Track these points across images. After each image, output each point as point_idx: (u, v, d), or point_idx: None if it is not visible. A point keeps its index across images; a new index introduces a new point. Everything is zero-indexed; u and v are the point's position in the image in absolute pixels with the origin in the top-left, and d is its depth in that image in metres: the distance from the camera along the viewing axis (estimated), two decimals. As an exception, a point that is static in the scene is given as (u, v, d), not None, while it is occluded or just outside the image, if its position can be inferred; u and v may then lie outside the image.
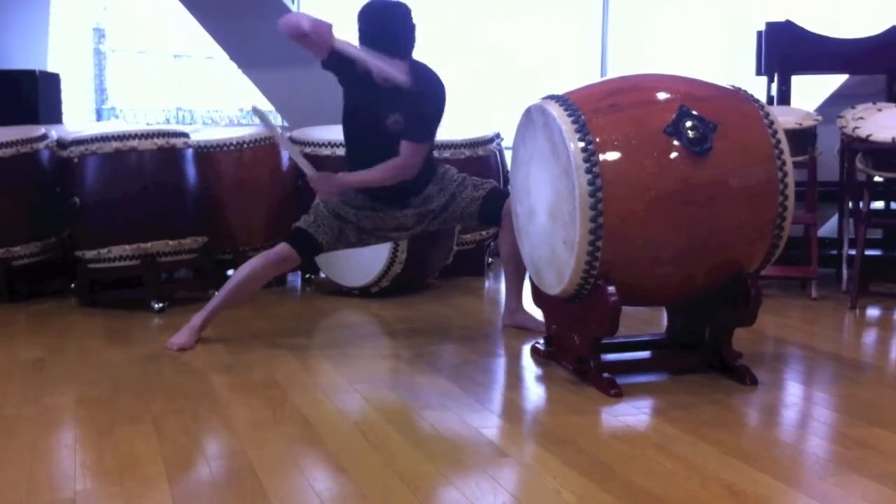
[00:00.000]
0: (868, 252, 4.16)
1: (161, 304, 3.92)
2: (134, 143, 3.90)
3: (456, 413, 2.53)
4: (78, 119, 9.72)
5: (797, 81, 4.78)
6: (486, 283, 4.67)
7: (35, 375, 2.96)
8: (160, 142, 3.94)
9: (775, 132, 2.68)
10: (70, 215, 3.99)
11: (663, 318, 3.20)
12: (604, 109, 2.63)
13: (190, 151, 4.07)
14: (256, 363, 3.08)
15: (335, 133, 4.29)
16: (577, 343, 2.82)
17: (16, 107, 5.00)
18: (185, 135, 4.11)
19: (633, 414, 2.52)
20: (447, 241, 4.30)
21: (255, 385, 2.83)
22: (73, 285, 4.20)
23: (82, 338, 3.50)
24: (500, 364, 3.15)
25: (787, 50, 4.73)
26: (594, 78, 5.24)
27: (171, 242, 3.94)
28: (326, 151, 4.43)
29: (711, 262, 2.68)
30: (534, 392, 2.84)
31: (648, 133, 2.58)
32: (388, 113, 3.22)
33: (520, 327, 3.49)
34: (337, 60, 3.23)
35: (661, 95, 2.68)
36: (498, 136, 4.79)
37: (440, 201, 3.38)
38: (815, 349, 3.27)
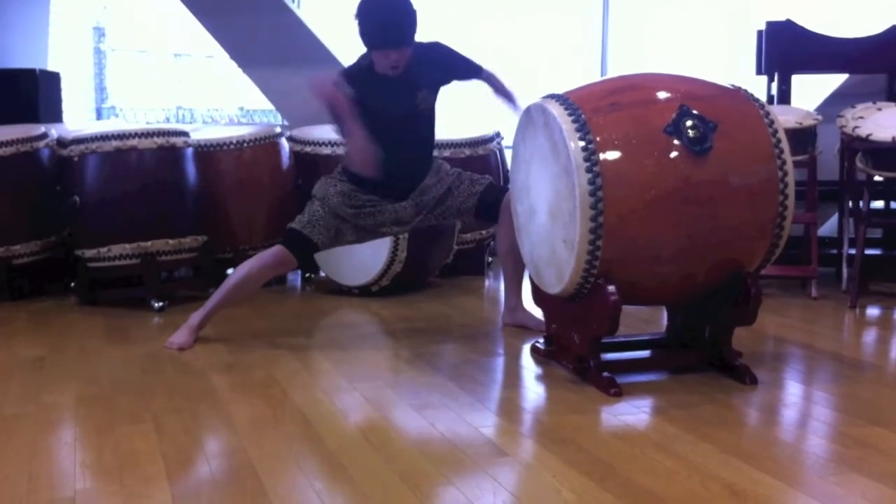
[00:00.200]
0: (868, 251, 4.16)
1: (161, 303, 3.92)
2: (134, 142, 3.90)
3: (456, 412, 2.53)
4: (78, 118, 9.72)
5: (797, 81, 4.78)
6: (487, 282, 4.67)
7: (35, 374, 2.96)
8: (160, 141, 3.94)
9: (775, 131, 2.68)
10: (70, 214, 3.99)
11: (663, 317, 3.20)
12: (604, 108, 2.63)
13: (190, 150, 4.07)
14: (256, 362, 3.08)
15: (335, 132, 4.29)
16: (577, 342, 2.82)
17: (16, 105, 5.00)
18: (186, 134, 4.11)
19: (632, 413, 2.52)
20: (447, 240, 4.29)
21: (255, 384, 2.83)
22: (72, 284, 4.19)
23: (82, 336, 3.50)
24: (500, 363, 3.15)
25: (787, 49, 4.73)
26: (594, 77, 5.24)
27: (171, 241, 3.94)
28: (327, 151, 4.43)
29: (711, 262, 2.68)
30: (534, 391, 2.84)
31: (649, 132, 2.58)
32: (414, 93, 3.26)
33: (520, 326, 3.49)
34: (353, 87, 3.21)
35: (662, 95, 2.68)
36: (498, 135, 4.79)
37: (436, 193, 3.37)
38: (815, 348, 3.27)
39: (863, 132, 3.89)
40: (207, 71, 12.58)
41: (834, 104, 4.72)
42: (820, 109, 4.52)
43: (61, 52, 8.02)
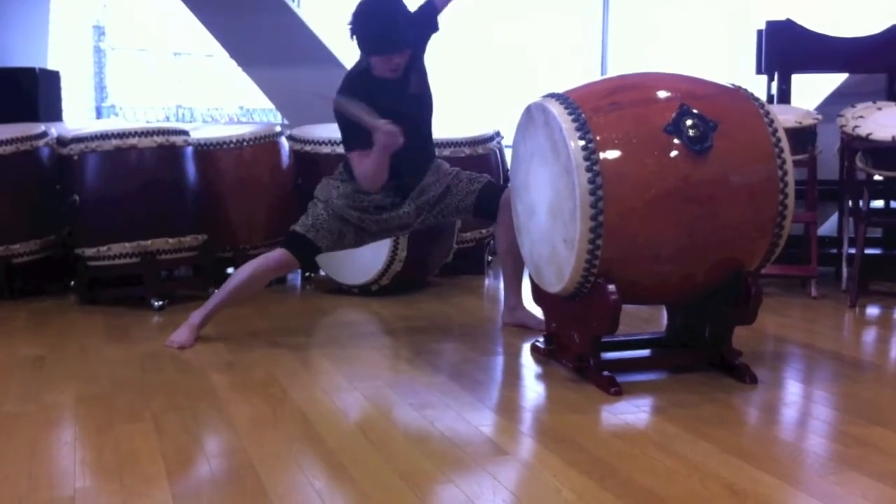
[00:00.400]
0: (868, 251, 4.16)
1: (161, 302, 3.92)
2: (134, 140, 3.90)
3: (456, 411, 2.53)
4: (78, 117, 9.72)
5: (797, 80, 4.78)
6: (486, 282, 4.67)
7: (35, 373, 2.96)
8: (160, 139, 3.94)
9: (775, 131, 2.68)
10: (70, 213, 3.99)
11: (663, 316, 3.20)
12: (604, 108, 2.63)
13: (190, 149, 4.07)
14: (256, 361, 3.08)
15: (335, 132, 4.28)
16: (577, 341, 2.82)
17: (16, 104, 5.00)
18: (185, 132, 4.11)
19: (632, 412, 2.52)
20: (447, 240, 4.30)
21: (255, 383, 2.83)
22: (72, 283, 4.19)
23: (82, 335, 3.50)
24: (500, 362, 3.15)
25: (787, 48, 4.73)
26: (594, 77, 5.23)
27: (171, 240, 3.94)
28: (327, 150, 4.43)
29: (712, 261, 2.68)
30: (534, 390, 2.84)
31: (649, 131, 2.58)
32: (406, 85, 3.27)
33: (520, 325, 3.49)
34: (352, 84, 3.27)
35: (662, 94, 2.68)
36: (498, 134, 4.79)
37: (435, 192, 3.38)
38: (814, 348, 3.27)
39: (863, 131, 3.89)
40: (207, 70, 12.59)
41: (834, 103, 4.72)
42: (820, 109, 4.52)
43: (61, 50, 8.02)
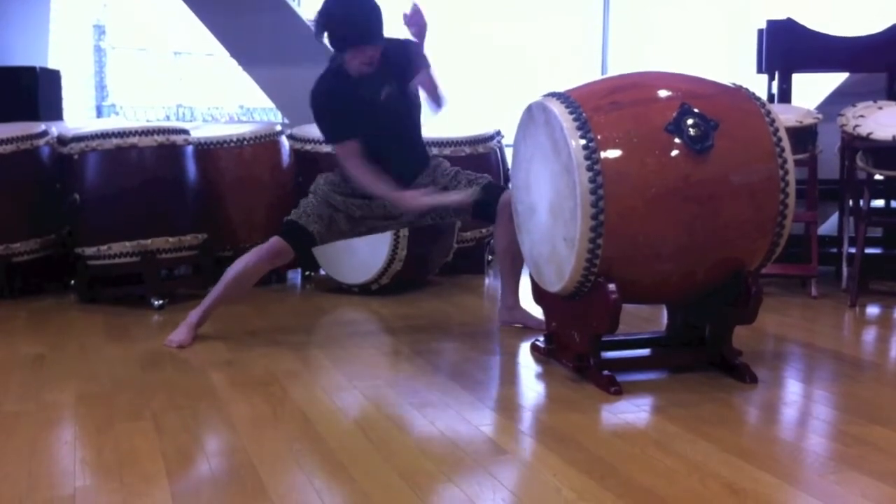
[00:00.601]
0: (868, 250, 4.16)
1: (161, 301, 3.92)
2: (134, 139, 3.90)
3: (456, 410, 2.53)
4: (78, 116, 9.71)
5: (798, 79, 4.78)
6: (486, 281, 4.67)
7: (35, 372, 2.96)
8: (160, 139, 3.94)
9: (776, 130, 2.68)
10: (70, 212, 3.99)
11: (663, 315, 3.20)
12: (605, 107, 2.63)
13: (190, 148, 4.07)
14: (256, 360, 3.08)
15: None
16: (577, 340, 2.82)
17: (16, 103, 4.99)
18: (186, 132, 4.11)
19: (633, 411, 2.52)
20: (447, 239, 4.30)
21: (255, 382, 2.83)
22: (72, 282, 4.19)
23: (82, 334, 3.50)
24: (500, 361, 3.15)
25: (787, 48, 4.73)
26: (595, 76, 5.24)
27: (171, 239, 3.94)
28: (327, 149, 4.41)
29: (712, 260, 2.68)
30: (533, 389, 2.84)
31: (649, 131, 2.58)
32: (378, 90, 3.24)
33: (517, 325, 3.48)
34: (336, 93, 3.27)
35: (663, 93, 2.68)
36: (498, 133, 4.79)
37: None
38: (815, 347, 3.27)
39: (863, 131, 3.89)
40: (208, 69, 12.58)
41: (834, 103, 4.72)
42: (820, 108, 4.52)
43: (61, 49, 8.02)
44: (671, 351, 3.04)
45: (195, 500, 1.98)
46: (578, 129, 2.57)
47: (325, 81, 3.27)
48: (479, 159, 4.51)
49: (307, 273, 4.63)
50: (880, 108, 4.11)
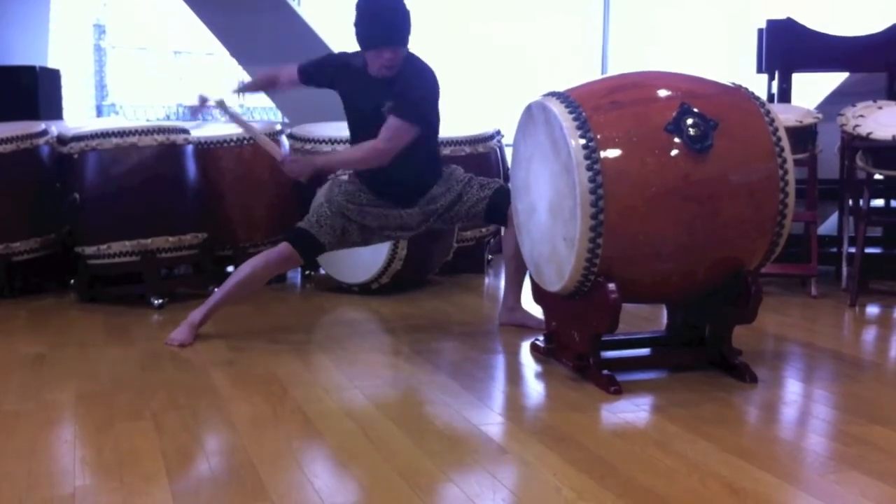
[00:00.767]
0: (868, 250, 4.16)
1: (161, 301, 3.92)
2: (134, 139, 3.90)
3: (456, 410, 2.53)
4: (78, 115, 9.72)
5: (798, 79, 4.78)
6: (487, 280, 4.67)
7: (35, 371, 2.96)
8: (160, 138, 3.94)
9: (776, 130, 2.68)
10: (70, 211, 3.98)
11: (663, 315, 3.20)
12: (605, 106, 2.63)
13: (190, 147, 4.07)
14: (256, 360, 3.08)
15: (335, 130, 4.29)
16: (577, 340, 2.82)
17: (16, 103, 4.99)
18: (186, 131, 4.11)
19: (632, 411, 2.52)
20: (447, 238, 4.29)
21: (256, 381, 2.83)
22: (72, 281, 4.19)
23: (82, 334, 3.50)
24: (500, 361, 3.15)
25: (787, 47, 4.73)
26: (595, 76, 5.23)
27: (171, 239, 3.94)
28: (327, 148, 4.43)
29: (712, 259, 2.68)
30: (534, 389, 2.84)
31: (649, 130, 2.58)
32: (383, 101, 3.23)
33: (517, 325, 3.49)
34: (314, 74, 3.42)
35: (662, 93, 2.68)
36: (498, 132, 4.79)
37: (445, 201, 3.37)
38: (814, 347, 3.27)
39: (863, 130, 3.89)
40: (208, 68, 12.58)
41: (834, 102, 4.73)
42: (820, 108, 4.52)
43: (61, 49, 8.02)
44: (671, 350, 3.04)
45: (195, 499, 1.98)
46: (578, 128, 2.57)
47: (342, 57, 3.38)
48: (479, 159, 4.51)
49: (307, 272, 4.63)
50: (880, 107, 4.11)
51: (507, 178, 4.23)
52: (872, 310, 3.96)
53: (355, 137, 3.39)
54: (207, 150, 4.26)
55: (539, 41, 8.33)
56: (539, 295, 3.06)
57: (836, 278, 4.34)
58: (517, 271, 3.46)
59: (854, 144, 4.03)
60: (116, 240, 3.88)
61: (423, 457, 2.18)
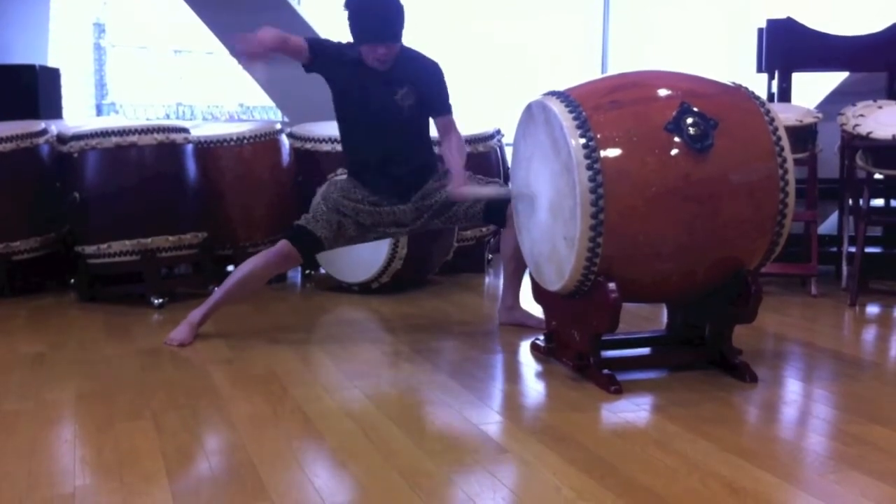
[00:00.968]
0: (868, 249, 4.16)
1: (161, 300, 3.92)
2: (134, 138, 3.89)
3: (456, 409, 2.53)
4: (78, 114, 9.72)
5: (798, 78, 4.78)
6: (487, 280, 4.67)
7: (35, 370, 2.96)
8: (160, 137, 3.94)
9: (776, 129, 2.68)
10: (70, 210, 3.98)
11: (663, 314, 3.20)
12: (605, 106, 2.62)
13: (190, 147, 4.07)
14: (256, 359, 3.08)
15: (335, 129, 4.28)
16: (578, 339, 2.82)
17: (16, 102, 5.00)
18: (186, 130, 4.11)
19: (632, 410, 2.52)
20: (447, 238, 4.29)
21: (255, 381, 2.83)
22: (72, 281, 4.19)
23: (82, 333, 3.50)
24: (500, 360, 3.15)
25: (787, 47, 4.73)
26: (595, 75, 5.23)
27: (171, 238, 3.94)
28: (327, 147, 4.43)
29: (712, 259, 2.68)
30: (534, 388, 2.84)
31: (649, 130, 2.58)
32: (395, 89, 3.27)
33: (517, 325, 3.49)
34: (321, 57, 3.32)
35: (663, 92, 2.68)
36: (498, 132, 4.78)
37: (440, 197, 3.37)
38: (814, 346, 3.27)
39: (863, 130, 3.89)
40: (208, 67, 12.58)
41: (834, 102, 4.72)
42: (820, 107, 4.52)
43: (61, 48, 8.02)
44: (671, 350, 3.04)
45: (195, 498, 1.98)
46: (578, 127, 2.56)
47: (333, 43, 3.35)
48: (479, 158, 4.50)
49: (307, 272, 4.62)
50: (880, 107, 4.10)
51: (507, 178, 4.24)
52: (872, 309, 3.96)
53: (369, 132, 3.36)
54: (207, 150, 4.26)
55: (539, 40, 8.33)
56: (539, 294, 3.06)
57: (836, 278, 4.34)
58: (516, 271, 3.46)
59: (854, 144, 4.03)
60: (116, 239, 3.88)
61: (423, 456, 2.18)
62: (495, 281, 4.60)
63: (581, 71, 7.44)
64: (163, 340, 3.27)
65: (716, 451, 2.19)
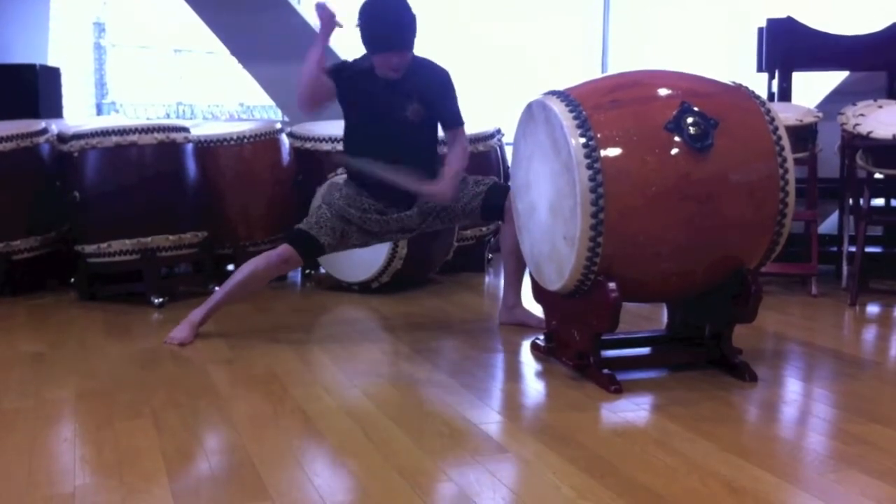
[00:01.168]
0: (868, 249, 4.16)
1: (161, 299, 3.92)
2: (134, 137, 3.90)
3: (455, 408, 2.53)
4: (78, 114, 9.73)
5: (798, 78, 4.78)
6: (487, 279, 4.67)
7: (35, 369, 2.96)
8: (160, 136, 3.94)
9: (776, 129, 2.68)
10: (70, 210, 3.99)
11: (663, 314, 3.20)
12: (605, 105, 2.62)
13: (190, 146, 4.07)
14: (256, 358, 3.08)
15: (335, 128, 4.29)
16: (578, 339, 2.82)
17: (16, 101, 5.00)
18: (186, 129, 4.11)
19: (632, 410, 2.52)
20: (447, 237, 4.29)
21: (255, 380, 2.83)
22: (72, 280, 4.19)
23: (82, 332, 3.50)
24: (500, 360, 3.15)
25: (787, 46, 4.73)
26: (595, 75, 5.23)
27: (171, 237, 3.94)
28: (327, 147, 4.43)
29: (712, 259, 2.68)
30: (534, 388, 2.84)
31: (650, 129, 2.58)
32: (404, 102, 3.27)
33: (518, 324, 3.48)
34: (339, 81, 3.32)
35: (663, 91, 2.68)
36: (499, 131, 4.78)
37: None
38: (814, 346, 3.27)
39: (863, 130, 3.89)
40: (208, 67, 12.59)
41: (834, 101, 4.72)
42: (820, 107, 4.52)
43: (61, 47, 8.03)
44: (671, 349, 3.04)
45: (195, 498, 1.98)
46: (578, 127, 2.56)
47: (343, 63, 3.36)
48: (480, 158, 4.50)
49: (307, 271, 4.62)
50: (880, 106, 4.10)
51: (507, 177, 4.24)
52: (872, 309, 3.96)
53: (379, 140, 3.33)
54: (207, 149, 4.26)
55: (539, 40, 8.32)
56: (539, 293, 3.06)
57: (836, 277, 4.34)
58: (517, 268, 3.46)
59: (854, 143, 4.03)
60: (116, 238, 3.88)
61: (423, 455, 2.18)
62: (495, 280, 4.60)
63: (581, 71, 7.43)
64: (163, 340, 3.28)
65: (716, 450, 2.19)
